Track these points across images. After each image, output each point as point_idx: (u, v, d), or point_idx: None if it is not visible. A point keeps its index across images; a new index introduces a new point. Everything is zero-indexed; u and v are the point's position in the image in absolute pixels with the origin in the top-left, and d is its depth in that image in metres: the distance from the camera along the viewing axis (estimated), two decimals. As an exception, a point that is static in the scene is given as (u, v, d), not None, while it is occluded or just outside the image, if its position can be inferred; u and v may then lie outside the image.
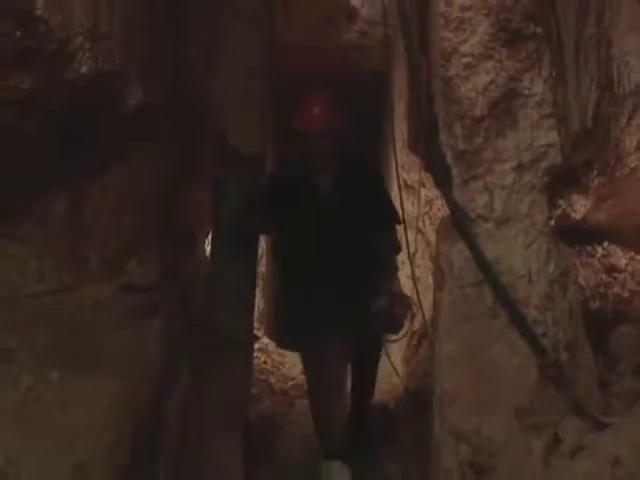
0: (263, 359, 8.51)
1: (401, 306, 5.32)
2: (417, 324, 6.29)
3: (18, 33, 2.84)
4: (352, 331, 5.21)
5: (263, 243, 10.11)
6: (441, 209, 6.36)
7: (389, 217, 5.42)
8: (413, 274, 5.17)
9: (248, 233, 5.54)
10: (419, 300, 4.93)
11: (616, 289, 5.63)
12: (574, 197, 6.04)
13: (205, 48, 5.24)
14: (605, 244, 6.25)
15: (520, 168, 3.70)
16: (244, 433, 5.10)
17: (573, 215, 6.10)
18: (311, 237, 5.20)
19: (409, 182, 7.12)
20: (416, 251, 6.59)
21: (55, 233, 3.77)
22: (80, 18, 3.36)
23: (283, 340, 6.78)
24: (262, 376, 7.85)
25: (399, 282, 5.49)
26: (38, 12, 2.96)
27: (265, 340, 9.38)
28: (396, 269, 5.49)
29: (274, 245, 7.84)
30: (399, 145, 5.71)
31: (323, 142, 5.14)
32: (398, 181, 5.93)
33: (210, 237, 5.61)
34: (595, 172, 5.77)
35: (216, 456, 4.78)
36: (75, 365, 3.54)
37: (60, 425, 3.33)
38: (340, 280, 5.12)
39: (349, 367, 5.58)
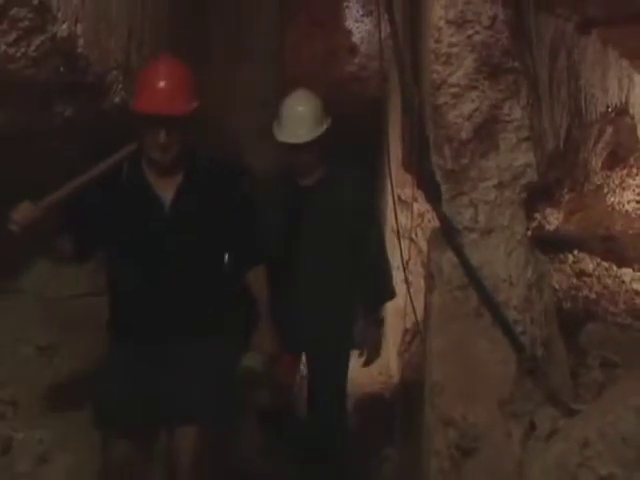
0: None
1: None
2: (410, 323, 6.28)
3: (62, 68, 2.86)
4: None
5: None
6: (432, 221, 6.34)
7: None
8: (406, 278, 5.16)
9: None
10: (412, 301, 4.91)
11: (585, 291, 5.63)
12: (548, 211, 6.07)
13: (224, 82, 5.24)
14: (575, 252, 6.26)
15: (501, 185, 3.70)
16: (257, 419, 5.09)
17: (547, 226, 6.13)
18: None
19: (403, 197, 7.09)
20: (409, 258, 6.56)
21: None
22: (115, 54, 3.38)
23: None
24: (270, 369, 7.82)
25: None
26: (79, 50, 2.98)
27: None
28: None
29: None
30: (394, 164, 5.69)
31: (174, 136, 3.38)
32: (393, 196, 5.92)
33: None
34: (566, 189, 5.79)
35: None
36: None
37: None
38: None
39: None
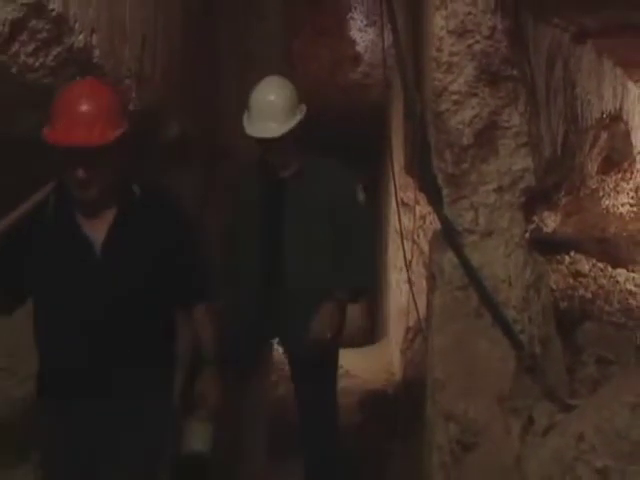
0: (281, 351, 8.49)
1: None
2: (413, 321, 6.29)
3: (78, 77, 2.87)
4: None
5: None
6: (433, 223, 6.34)
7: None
8: (409, 279, 5.18)
9: None
10: (414, 301, 4.92)
11: (581, 291, 5.63)
12: (545, 214, 6.07)
13: (233, 90, 5.25)
14: (572, 253, 6.26)
15: (500, 189, 3.70)
16: (265, 413, 5.10)
17: (545, 229, 6.13)
18: None
19: (406, 200, 7.11)
20: (412, 259, 6.58)
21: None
22: (129, 64, 3.39)
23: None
24: (279, 365, 7.84)
25: None
26: (95, 60, 2.99)
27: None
28: None
29: None
30: (397, 168, 5.70)
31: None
32: (397, 199, 5.94)
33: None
34: (563, 192, 5.80)
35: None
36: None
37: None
38: None
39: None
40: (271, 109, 3.88)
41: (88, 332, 2.87)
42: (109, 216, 2.91)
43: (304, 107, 4.01)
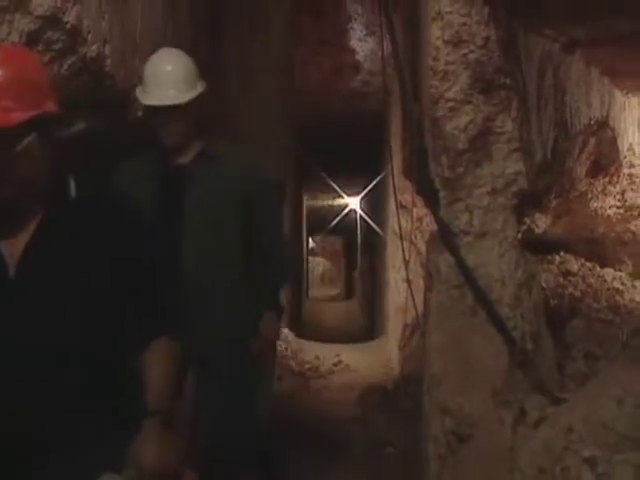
0: (284, 346, 8.52)
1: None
2: (410, 319, 6.30)
3: (91, 85, 2.88)
4: None
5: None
6: (430, 225, 6.36)
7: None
8: (407, 278, 5.18)
9: None
10: (412, 299, 4.92)
11: (570, 290, 5.62)
12: (537, 215, 6.07)
13: (239, 97, 5.26)
14: (561, 253, 6.25)
15: (494, 192, 3.70)
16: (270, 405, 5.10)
17: (536, 230, 6.13)
18: None
19: (404, 203, 7.12)
20: (410, 259, 6.59)
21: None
22: (139, 72, 3.40)
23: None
24: (283, 360, 7.85)
25: None
26: (107, 69, 3.01)
27: (286, 331, 9.39)
28: None
29: None
30: (396, 172, 5.71)
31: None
32: (395, 201, 5.94)
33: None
34: (553, 195, 5.79)
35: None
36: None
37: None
38: None
39: None
40: (170, 78, 3.30)
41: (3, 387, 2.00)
42: (30, 228, 2.05)
43: (204, 84, 3.44)
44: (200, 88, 3.39)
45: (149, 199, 3.16)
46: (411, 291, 5.09)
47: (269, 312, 3.70)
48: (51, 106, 2.01)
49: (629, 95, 6.32)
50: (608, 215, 6.37)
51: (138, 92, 3.33)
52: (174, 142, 3.37)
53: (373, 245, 15.16)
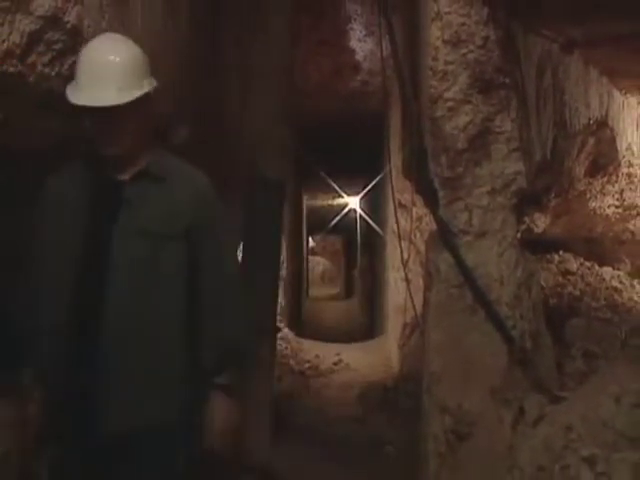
0: (284, 346, 8.52)
1: None
2: (410, 318, 6.29)
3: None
4: None
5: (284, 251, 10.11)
6: (429, 224, 6.36)
7: None
8: (407, 277, 5.17)
9: None
10: (412, 298, 4.92)
11: (569, 289, 5.63)
12: (536, 215, 6.06)
13: (239, 97, 5.27)
14: (561, 252, 6.26)
15: (493, 192, 3.70)
16: (270, 405, 5.11)
17: (535, 229, 6.12)
18: None
19: (403, 202, 7.12)
20: (409, 258, 6.58)
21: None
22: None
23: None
24: (283, 360, 7.86)
25: None
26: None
27: (286, 330, 9.40)
28: None
29: None
30: (395, 172, 5.71)
31: None
32: (394, 201, 5.94)
33: (242, 246, 5.60)
34: (552, 194, 5.79)
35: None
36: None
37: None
38: None
39: None
40: (112, 71, 2.48)
41: None
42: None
43: (154, 82, 2.61)
44: (148, 87, 2.56)
45: (72, 216, 2.55)
46: (410, 290, 5.09)
47: (217, 392, 2.66)
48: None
49: (628, 95, 6.32)
50: (607, 214, 6.38)
51: (68, 89, 2.52)
52: (111, 154, 2.55)
53: (373, 244, 15.16)
